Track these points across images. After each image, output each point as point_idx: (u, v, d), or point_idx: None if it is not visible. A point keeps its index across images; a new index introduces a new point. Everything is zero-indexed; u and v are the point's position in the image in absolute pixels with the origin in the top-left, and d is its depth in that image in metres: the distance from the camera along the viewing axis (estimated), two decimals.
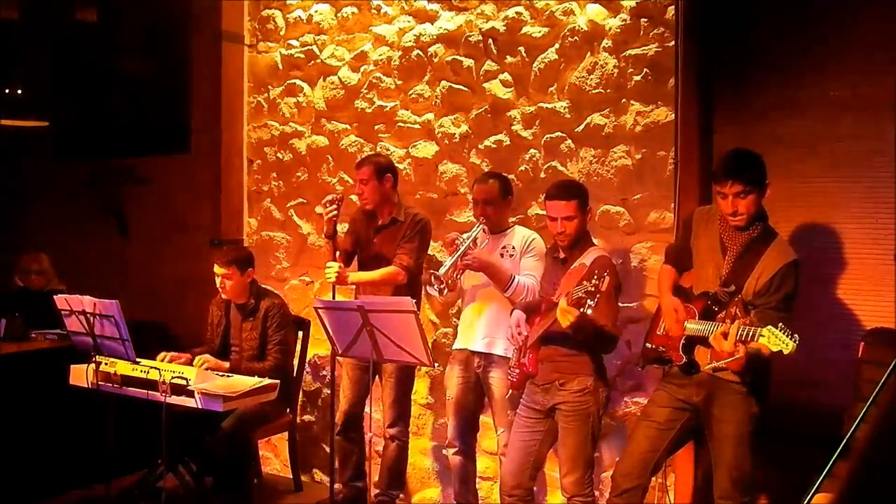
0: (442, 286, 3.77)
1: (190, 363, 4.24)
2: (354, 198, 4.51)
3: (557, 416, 3.52)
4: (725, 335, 2.99)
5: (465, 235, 3.97)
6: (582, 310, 3.14)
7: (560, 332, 3.41)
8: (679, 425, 3.34)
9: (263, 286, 4.67)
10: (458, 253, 3.78)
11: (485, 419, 4.22)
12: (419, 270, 4.29)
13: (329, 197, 4.21)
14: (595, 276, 3.13)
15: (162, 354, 4.28)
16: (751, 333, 2.92)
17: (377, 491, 4.32)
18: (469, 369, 4.03)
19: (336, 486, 4.66)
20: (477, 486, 4.30)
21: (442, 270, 3.76)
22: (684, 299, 3.36)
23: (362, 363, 4.36)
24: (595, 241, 3.69)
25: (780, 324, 2.84)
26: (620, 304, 3.90)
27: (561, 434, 3.53)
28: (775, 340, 2.82)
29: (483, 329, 3.98)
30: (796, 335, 2.81)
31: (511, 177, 4.42)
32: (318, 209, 4.28)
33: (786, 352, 2.82)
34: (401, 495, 4.60)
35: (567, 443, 3.50)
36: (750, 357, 3.00)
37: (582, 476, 3.49)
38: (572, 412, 3.47)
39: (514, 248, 3.96)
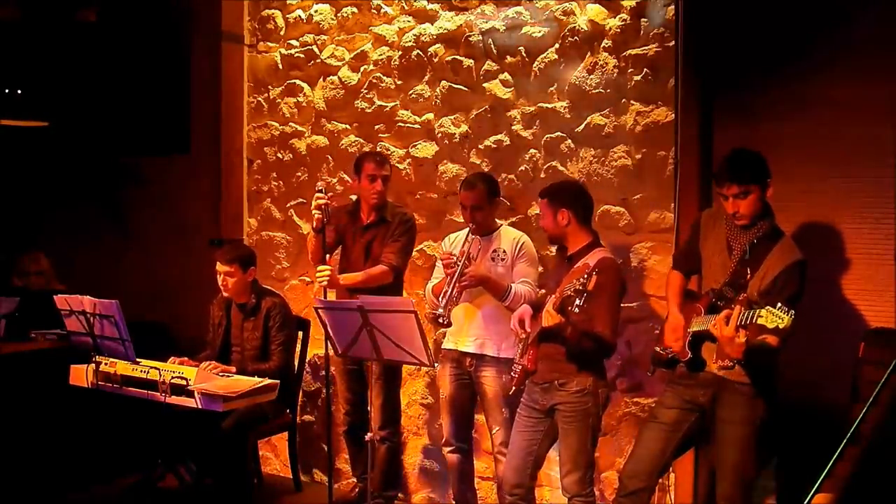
0: (445, 321, 3.78)
1: None
2: (351, 197, 4.48)
3: (557, 416, 3.52)
4: (728, 320, 2.98)
5: (444, 244, 3.97)
6: (571, 308, 3.20)
7: (558, 331, 3.43)
8: (687, 426, 3.33)
9: (264, 286, 4.66)
10: (455, 277, 3.77)
11: (481, 417, 4.22)
12: (404, 268, 4.34)
13: (321, 197, 4.13)
14: (585, 275, 3.19)
15: (172, 359, 4.25)
16: (750, 316, 2.91)
17: (374, 494, 4.31)
18: (461, 367, 4.02)
19: (346, 482, 4.67)
20: (476, 486, 4.30)
21: (440, 309, 3.73)
22: (692, 300, 3.37)
23: (351, 366, 4.37)
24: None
25: (779, 303, 2.84)
26: (620, 304, 3.90)
27: (561, 434, 3.53)
28: (772, 318, 2.81)
29: (474, 330, 3.97)
30: (792, 311, 2.80)
31: (511, 177, 4.43)
32: (314, 205, 4.20)
33: (781, 326, 2.80)
34: (399, 495, 4.61)
35: (567, 443, 3.50)
36: (755, 348, 3.00)
37: (583, 476, 3.49)
38: (572, 412, 3.47)
39: (504, 251, 3.94)
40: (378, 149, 4.87)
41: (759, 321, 2.86)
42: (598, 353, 3.47)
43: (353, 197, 4.57)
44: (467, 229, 3.95)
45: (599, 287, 3.39)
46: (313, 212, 4.16)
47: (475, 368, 3.97)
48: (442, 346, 4.16)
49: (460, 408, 4.07)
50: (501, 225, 4.11)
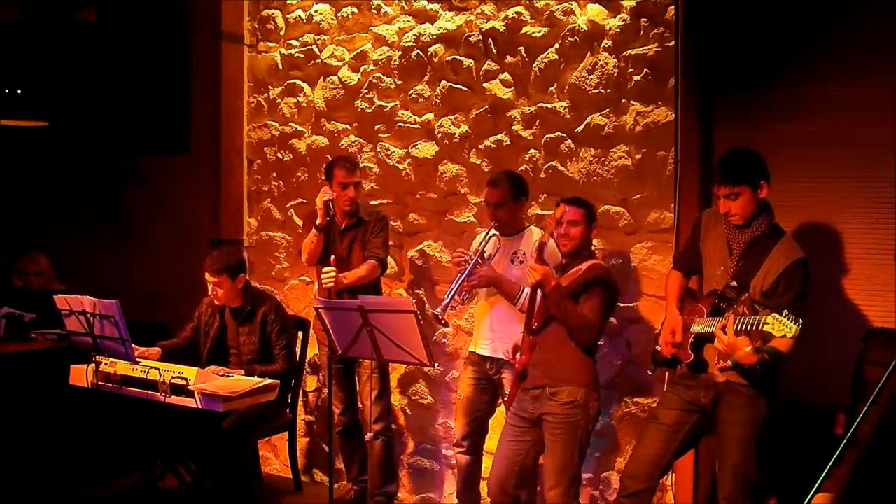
0: (443, 321, 3.84)
1: (158, 357, 4.25)
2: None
3: (544, 427, 3.48)
4: (725, 329, 3.00)
5: (475, 243, 3.96)
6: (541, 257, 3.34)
7: (555, 323, 3.44)
8: (688, 427, 3.33)
9: (258, 287, 4.65)
10: (464, 276, 3.74)
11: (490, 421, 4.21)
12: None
13: (328, 192, 4.24)
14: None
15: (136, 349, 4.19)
16: (755, 323, 2.91)
17: (373, 491, 4.31)
18: (482, 371, 4.00)
19: (344, 483, 4.67)
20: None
21: (440, 308, 3.74)
22: (693, 300, 3.37)
23: (338, 364, 4.36)
24: (597, 243, 3.69)
25: (785, 310, 2.84)
26: (620, 304, 3.91)
27: (547, 446, 3.49)
28: (779, 326, 2.81)
29: (486, 332, 3.97)
30: (800, 319, 2.80)
31: None
32: (319, 201, 4.24)
33: (789, 335, 2.80)
34: (398, 493, 4.61)
35: (553, 455, 3.46)
36: (767, 356, 3.00)
37: (567, 489, 3.45)
38: (560, 424, 3.44)
39: (524, 254, 3.90)
40: (378, 149, 4.88)
41: (766, 328, 2.85)
42: (582, 329, 3.41)
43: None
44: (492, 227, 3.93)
45: (591, 292, 3.42)
46: (318, 203, 4.20)
47: (496, 371, 3.96)
48: (469, 349, 4.15)
49: (476, 411, 4.03)
50: (529, 226, 4.05)
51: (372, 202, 4.80)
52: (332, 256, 4.19)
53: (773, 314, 2.84)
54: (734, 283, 3.19)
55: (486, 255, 3.84)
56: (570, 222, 3.54)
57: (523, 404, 3.57)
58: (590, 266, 3.50)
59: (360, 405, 4.53)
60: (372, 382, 4.14)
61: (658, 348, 3.45)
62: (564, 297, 3.40)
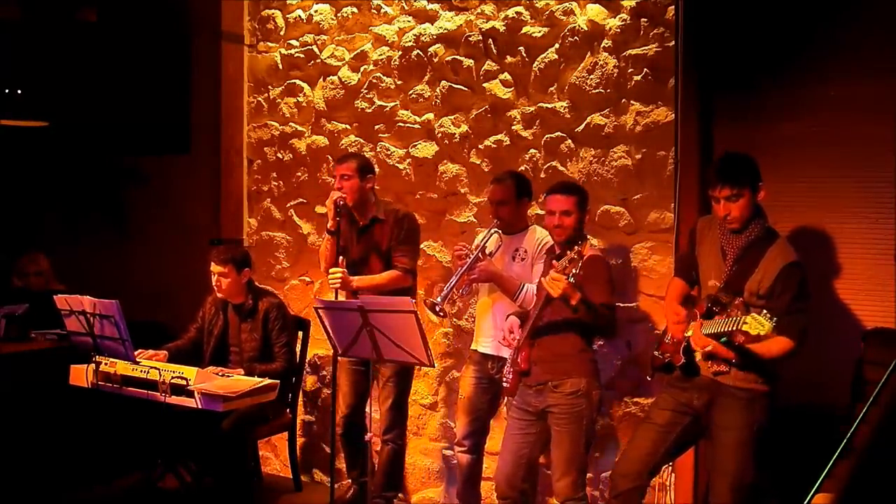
0: (441, 312, 3.80)
1: (165, 360, 4.24)
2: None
3: (550, 418, 3.50)
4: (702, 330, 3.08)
5: (477, 240, 3.96)
6: (568, 277, 3.21)
7: (554, 323, 3.44)
8: (680, 429, 3.32)
9: (261, 285, 4.65)
10: (464, 269, 3.75)
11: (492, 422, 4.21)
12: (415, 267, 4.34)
13: (333, 198, 4.16)
14: (577, 245, 3.25)
15: (138, 351, 4.20)
16: (737, 323, 2.92)
17: (373, 493, 4.31)
18: (484, 370, 4.01)
19: (345, 482, 4.67)
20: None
21: (440, 297, 3.73)
22: (691, 305, 3.37)
23: (357, 366, 4.36)
24: (593, 241, 3.68)
25: (764, 311, 2.85)
26: (620, 304, 3.91)
27: (554, 437, 3.50)
28: (755, 325, 2.83)
29: (489, 330, 3.97)
30: (775, 318, 2.82)
31: None
32: (329, 202, 4.19)
33: (762, 333, 2.82)
34: (399, 495, 4.61)
35: (560, 446, 3.47)
36: (740, 353, 3.04)
37: (575, 479, 3.47)
38: (565, 415, 3.45)
39: (526, 251, 3.92)
40: (378, 149, 4.88)
41: (745, 328, 2.87)
42: (610, 323, 3.42)
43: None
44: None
45: (589, 278, 3.40)
46: (328, 206, 4.14)
47: (497, 370, 3.94)
48: (471, 348, 4.15)
49: (477, 411, 4.04)
50: (532, 225, 4.05)
51: None
52: (341, 257, 4.15)
53: (752, 314, 2.85)
54: (728, 288, 3.19)
55: (486, 252, 3.85)
56: (563, 213, 3.51)
57: (527, 398, 3.57)
58: (588, 258, 3.48)
59: (367, 409, 4.50)
60: (387, 390, 4.12)
61: (656, 353, 3.45)
62: (592, 306, 3.34)
